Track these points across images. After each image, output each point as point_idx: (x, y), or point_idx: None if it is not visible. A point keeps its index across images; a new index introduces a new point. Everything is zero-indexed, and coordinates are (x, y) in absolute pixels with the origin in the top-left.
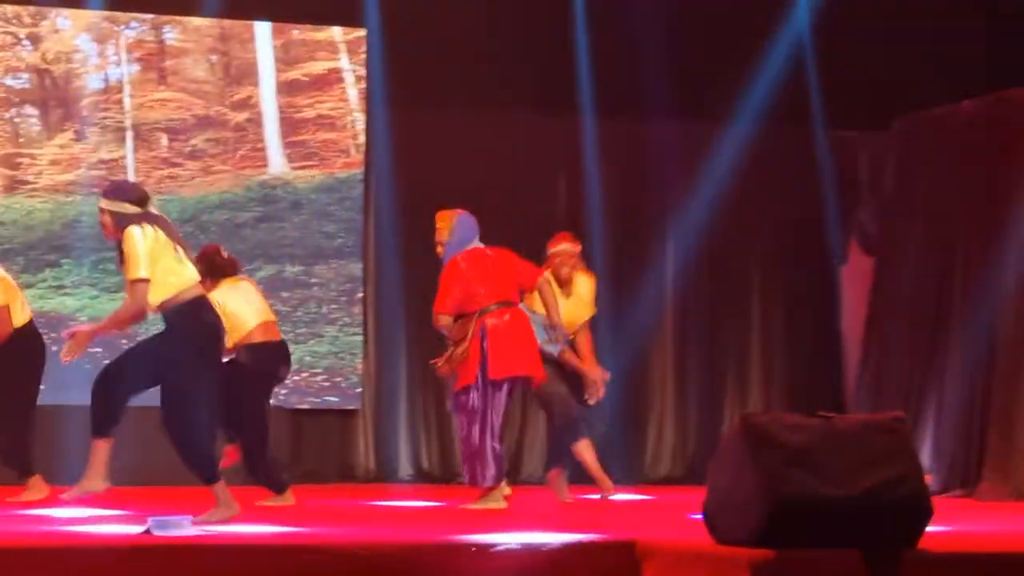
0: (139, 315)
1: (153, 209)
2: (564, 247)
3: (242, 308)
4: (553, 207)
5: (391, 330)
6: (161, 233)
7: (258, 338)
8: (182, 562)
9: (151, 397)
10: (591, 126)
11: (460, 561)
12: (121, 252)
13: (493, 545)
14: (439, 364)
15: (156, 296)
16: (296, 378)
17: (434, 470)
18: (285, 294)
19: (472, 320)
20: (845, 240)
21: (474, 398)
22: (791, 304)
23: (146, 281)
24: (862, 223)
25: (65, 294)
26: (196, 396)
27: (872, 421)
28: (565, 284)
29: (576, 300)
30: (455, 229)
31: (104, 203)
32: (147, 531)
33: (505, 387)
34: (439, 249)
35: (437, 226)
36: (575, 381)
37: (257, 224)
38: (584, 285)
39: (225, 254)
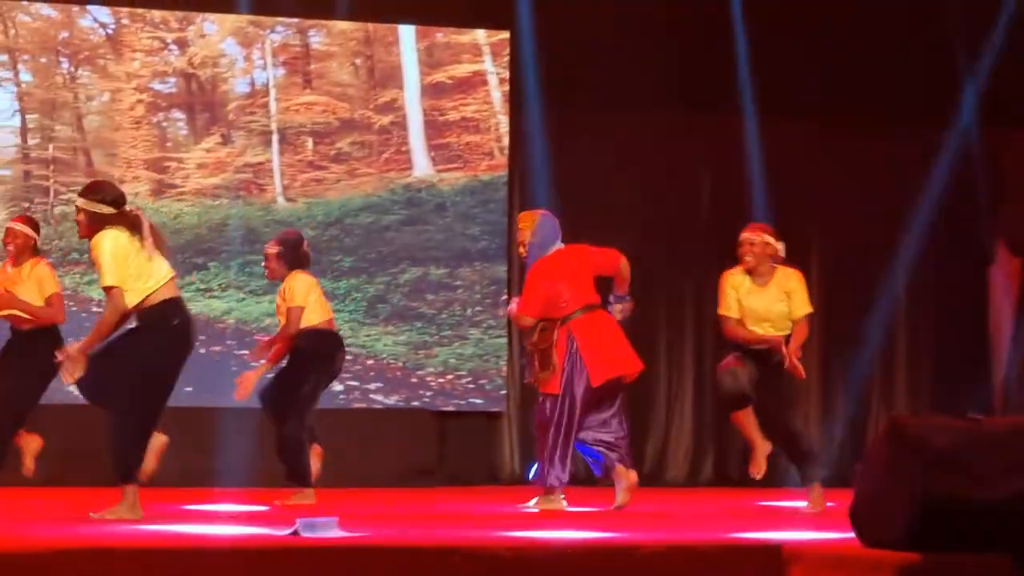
0: (120, 320)
1: (129, 208)
2: (744, 236)
3: (318, 298)
4: (699, 206)
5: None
6: (125, 236)
7: (322, 326)
8: (331, 564)
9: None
10: (750, 123)
11: (604, 562)
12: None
13: (638, 547)
14: (532, 379)
15: (129, 300)
16: (441, 380)
17: (579, 472)
18: (430, 296)
19: (556, 327)
20: (992, 240)
21: (556, 407)
22: (939, 305)
23: (118, 287)
24: (1009, 222)
25: (212, 297)
26: (147, 395)
27: (1022, 424)
28: (752, 273)
29: (773, 293)
30: (537, 230)
31: (81, 202)
32: (295, 532)
33: (601, 390)
34: (521, 250)
35: (519, 227)
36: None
37: (401, 227)
38: (787, 280)
39: (306, 246)
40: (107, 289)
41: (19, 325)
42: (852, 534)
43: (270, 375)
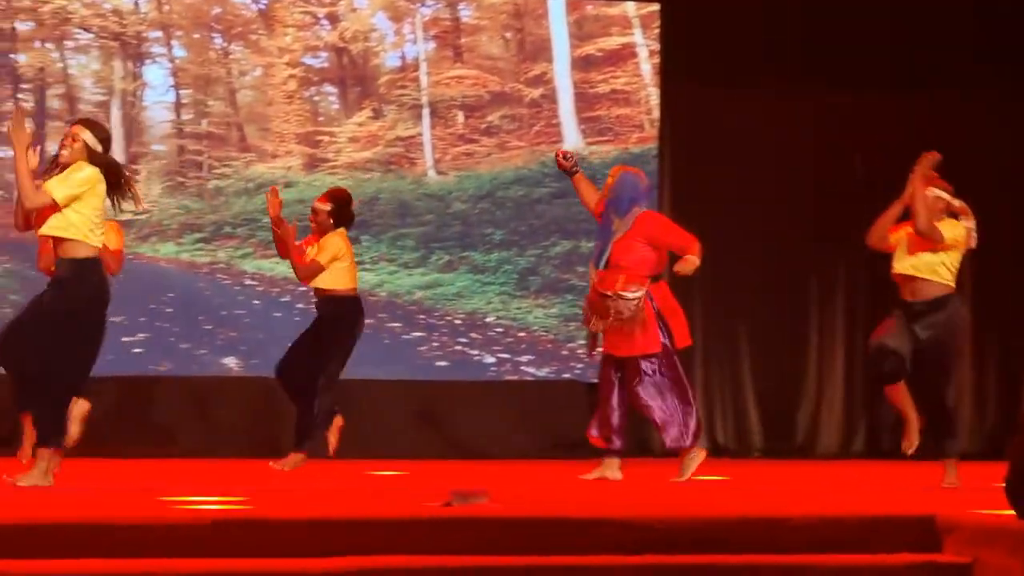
0: (28, 201)
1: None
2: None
3: (349, 265)
4: (848, 182)
5: (685, 303)
6: (101, 183)
7: (346, 293)
8: (483, 535)
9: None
10: (901, 101)
11: (756, 534)
12: (61, 169)
13: (790, 518)
14: (599, 322)
15: (59, 231)
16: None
17: (729, 444)
18: (581, 269)
19: (647, 284)
20: None
21: (661, 363)
22: None
23: (54, 205)
24: None
25: (364, 269)
26: (65, 355)
27: None
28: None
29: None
30: (615, 186)
31: (77, 128)
32: (448, 503)
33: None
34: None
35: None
36: None
37: (552, 200)
38: (950, 230)
39: (354, 206)
40: (45, 194)
41: None
42: (1008, 508)
43: (292, 347)
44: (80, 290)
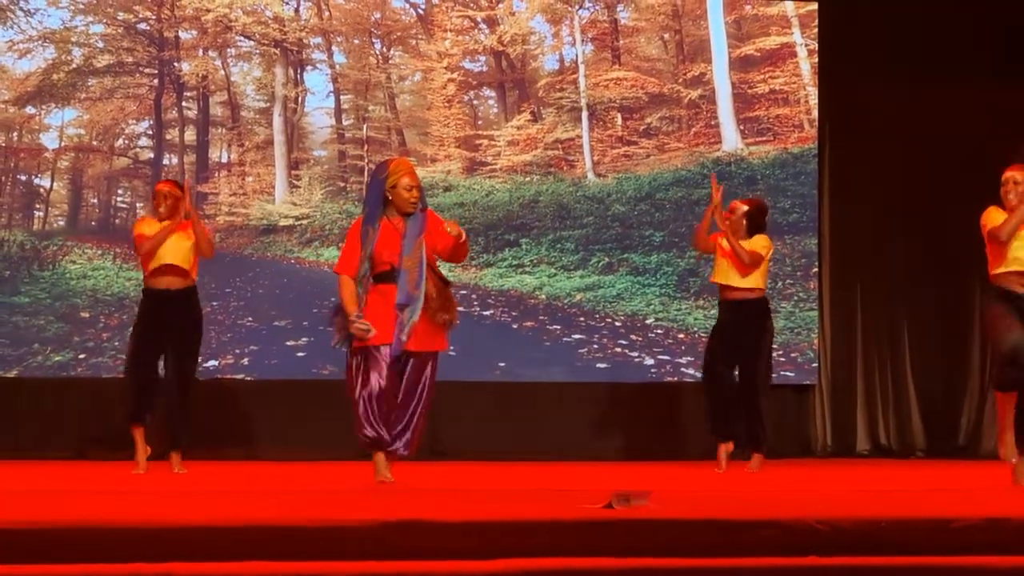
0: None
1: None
2: (1007, 174)
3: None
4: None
5: (847, 305)
6: None
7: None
8: (645, 536)
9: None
10: None
11: (918, 535)
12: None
13: (952, 520)
14: None
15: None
16: None
17: (892, 445)
18: None
19: None
20: None
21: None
22: None
23: None
24: None
25: (524, 272)
26: None
27: None
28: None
29: None
30: None
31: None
32: (609, 505)
33: None
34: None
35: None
36: None
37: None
38: None
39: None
40: None
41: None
42: None
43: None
44: None
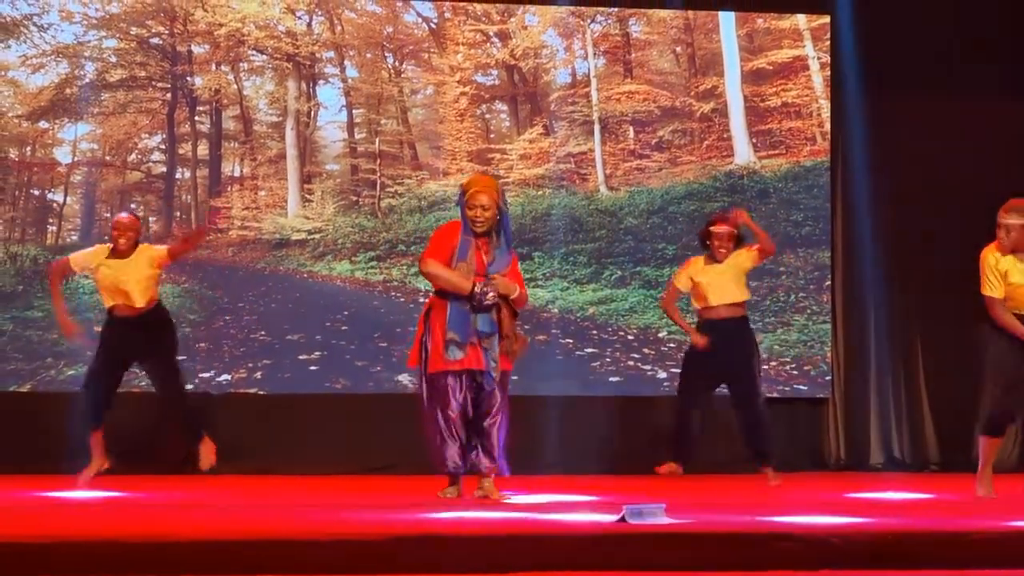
0: None
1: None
2: (1000, 218)
3: None
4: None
5: (860, 318)
6: None
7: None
8: (659, 550)
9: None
10: None
11: (936, 547)
12: None
13: (969, 533)
14: None
15: None
16: (765, 367)
17: (905, 458)
18: (754, 283)
19: None
20: None
21: None
22: None
23: None
24: None
25: (537, 286)
26: None
27: None
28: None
29: None
30: (503, 199)
31: None
32: (622, 519)
33: None
34: (480, 214)
35: (475, 190)
36: None
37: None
38: None
39: None
40: None
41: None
42: None
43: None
44: None
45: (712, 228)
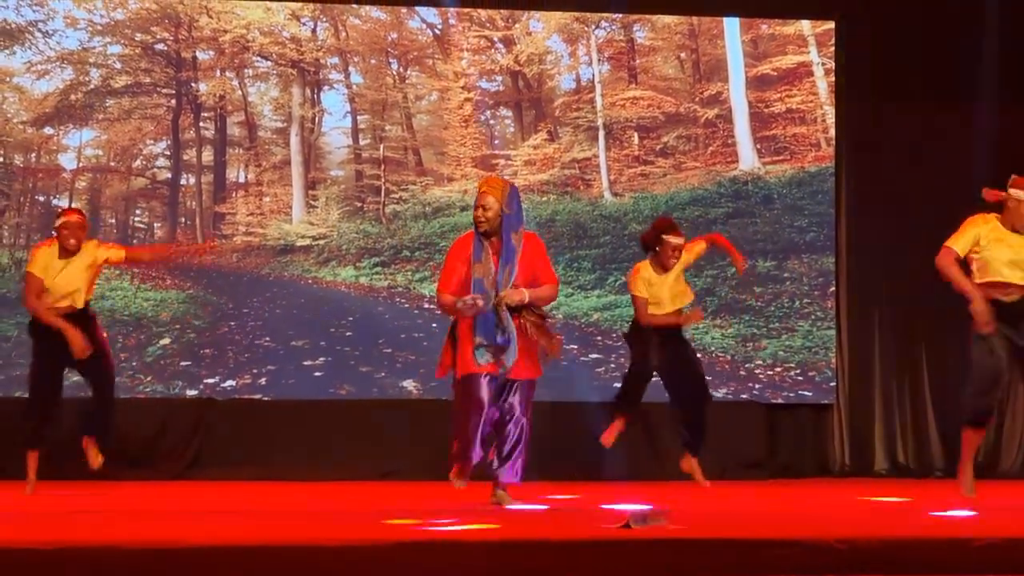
0: None
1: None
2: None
3: None
4: None
5: (864, 324)
6: None
7: None
8: (662, 557)
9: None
10: None
11: (937, 554)
12: None
13: (972, 539)
14: None
15: None
16: (770, 373)
17: (910, 464)
18: (758, 289)
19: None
20: None
21: None
22: None
23: None
24: None
25: None
26: None
27: None
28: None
29: None
30: (510, 201)
31: None
32: (626, 525)
33: None
34: (482, 214)
35: (483, 191)
36: None
37: (728, 220)
38: None
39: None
40: None
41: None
42: None
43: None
44: None
45: (668, 238)
